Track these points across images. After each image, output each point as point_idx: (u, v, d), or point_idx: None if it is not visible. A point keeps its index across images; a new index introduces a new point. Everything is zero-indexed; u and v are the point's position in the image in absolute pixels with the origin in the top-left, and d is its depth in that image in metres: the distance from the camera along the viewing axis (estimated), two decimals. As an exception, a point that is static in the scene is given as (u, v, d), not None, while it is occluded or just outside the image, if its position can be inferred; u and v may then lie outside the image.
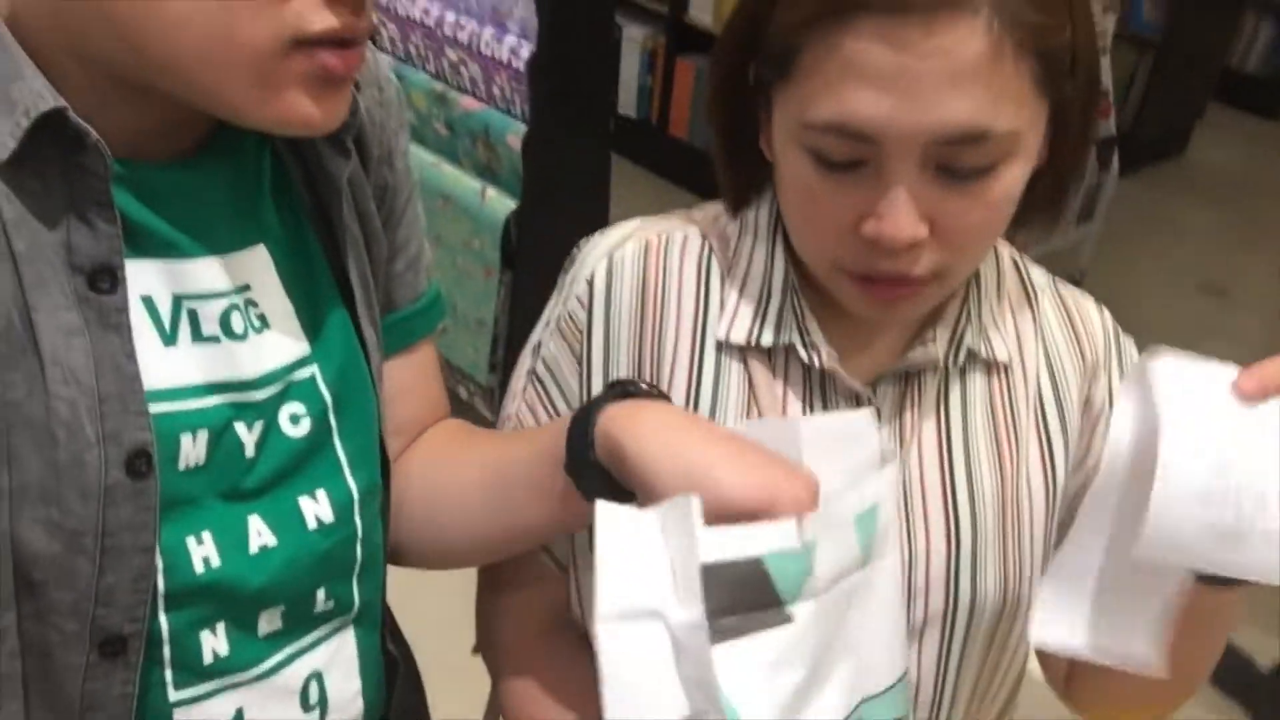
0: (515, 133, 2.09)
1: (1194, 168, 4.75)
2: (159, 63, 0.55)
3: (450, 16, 2.15)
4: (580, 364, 0.80)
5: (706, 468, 0.60)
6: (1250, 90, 5.29)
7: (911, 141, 0.63)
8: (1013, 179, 0.67)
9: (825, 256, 0.71)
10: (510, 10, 2.06)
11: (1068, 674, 0.88)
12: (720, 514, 0.58)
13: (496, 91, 2.12)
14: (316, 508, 0.68)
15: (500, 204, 2.17)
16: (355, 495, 0.70)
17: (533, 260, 2.17)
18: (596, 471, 0.66)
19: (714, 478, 0.59)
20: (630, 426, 0.64)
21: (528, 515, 0.74)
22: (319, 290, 0.70)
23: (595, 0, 2.09)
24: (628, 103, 3.80)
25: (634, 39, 3.72)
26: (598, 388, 0.79)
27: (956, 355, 0.77)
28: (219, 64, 0.55)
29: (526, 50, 2.03)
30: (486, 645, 0.89)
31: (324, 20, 0.55)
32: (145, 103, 0.58)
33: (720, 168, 0.81)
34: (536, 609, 0.86)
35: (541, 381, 0.83)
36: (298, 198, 0.70)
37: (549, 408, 0.82)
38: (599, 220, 2.35)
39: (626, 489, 0.65)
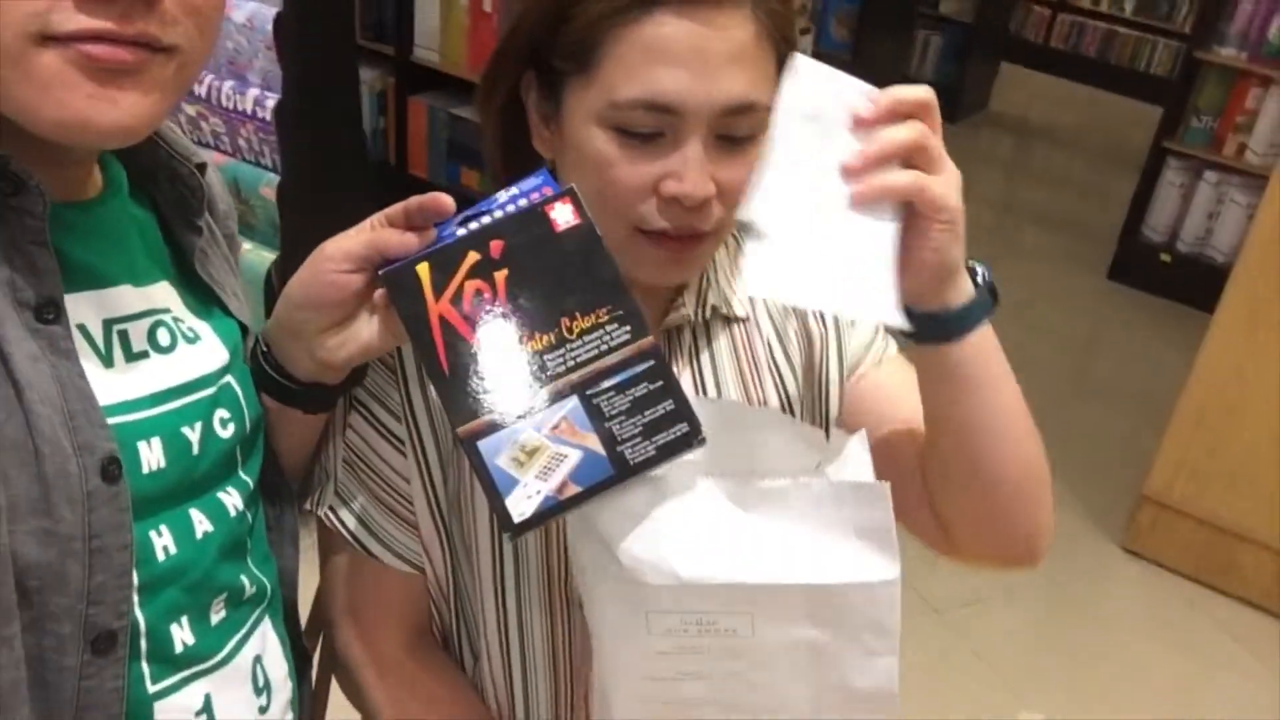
0: (269, 184, 2.06)
1: (891, 170, 5.24)
2: None
3: (184, 70, 2.09)
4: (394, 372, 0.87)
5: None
6: (929, 97, 5.89)
7: (705, 111, 0.75)
8: (760, 152, 0.79)
9: (626, 221, 0.79)
10: (249, 62, 2.03)
11: (939, 523, 0.90)
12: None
13: (243, 144, 2.09)
14: (231, 500, 0.75)
15: (258, 257, 2.13)
16: (251, 490, 0.78)
17: (298, 310, 2.14)
18: (263, 357, 0.78)
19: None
20: None
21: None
22: (218, 320, 0.78)
23: (336, 44, 2.10)
24: (363, 145, 3.77)
25: (363, 81, 3.70)
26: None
27: (703, 311, 0.90)
28: None
29: (271, 100, 2.01)
30: (348, 667, 0.92)
31: (71, 20, 0.57)
32: (34, 140, 0.61)
33: (496, 172, 0.90)
34: (406, 622, 0.92)
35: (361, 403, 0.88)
36: (180, 255, 0.78)
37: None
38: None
39: (287, 374, 0.78)
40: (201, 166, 0.77)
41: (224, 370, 0.75)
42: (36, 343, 0.61)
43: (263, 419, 0.80)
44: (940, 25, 5.89)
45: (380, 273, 0.70)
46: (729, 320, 0.92)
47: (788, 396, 0.93)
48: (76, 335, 0.65)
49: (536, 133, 0.84)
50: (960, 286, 0.75)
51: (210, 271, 0.78)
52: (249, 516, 0.77)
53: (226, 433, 0.74)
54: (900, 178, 0.69)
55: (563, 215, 0.70)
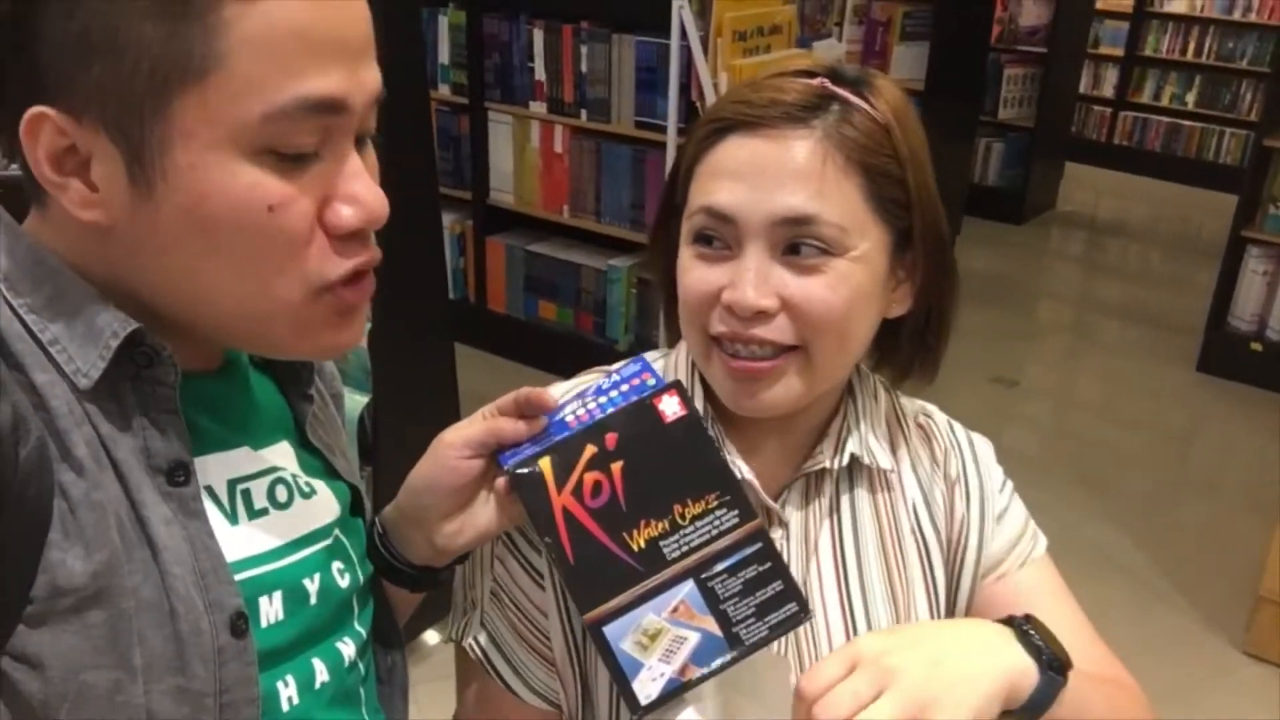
0: (361, 331, 2.15)
1: (962, 275, 5.23)
2: (209, 320, 0.65)
3: (280, 229, 2.21)
4: None
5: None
6: (995, 201, 5.92)
7: (760, 220, 0.78)
8: (852, 276, 0.80)
9: (701, 329, 0.82)
10: (340, 217, 2.15)
11: None
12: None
13: (336, 294, 2.19)
14: (347, 650, 0.77)
15: (351, 401, 2.20)
16: (363, 642, 0.80)
17: (391, 449, 2.20)
18: (380, 539, 0.83)
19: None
20: None
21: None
22: (330, 479, 0.81)
23: (419, 200, 2.21)
24: (444, 285, 3.91)
25: (443, 226, 3.86)
26: None
27: (841, 457, 0.88)
28: (259, 318, 0.65)
29: (361, 252, 2.11)
30: None
31: (341, 266, 0.64)
32: (180, 333, 0.67)
33: (664, 306, 0.95)
34: None
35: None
36: (295, 420, 0.81)
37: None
38: (450, 402, 2.41)
39: (400, 557, 0.82)
40: None
41: (336, 523, 0.78)
42: (168, 505, 0.64)
43: (374, 574, 0.83)
44: (1001, 131, 5.95)
45: (507, 469, 0.76)
46: (872, 471, 0.90)
47: (930, 564, 0.91)
48: (203, 495, 0.68)
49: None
50: (1015, 690, 0.72)
51: (321, 436, 0.82)
52: (361, 667, 0.79)
53: (344, 582, 0.77)
54: None
55: (670, 407, 0.76)
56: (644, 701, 0.71)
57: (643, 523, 0.74)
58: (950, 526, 0.93)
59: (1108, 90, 7.38)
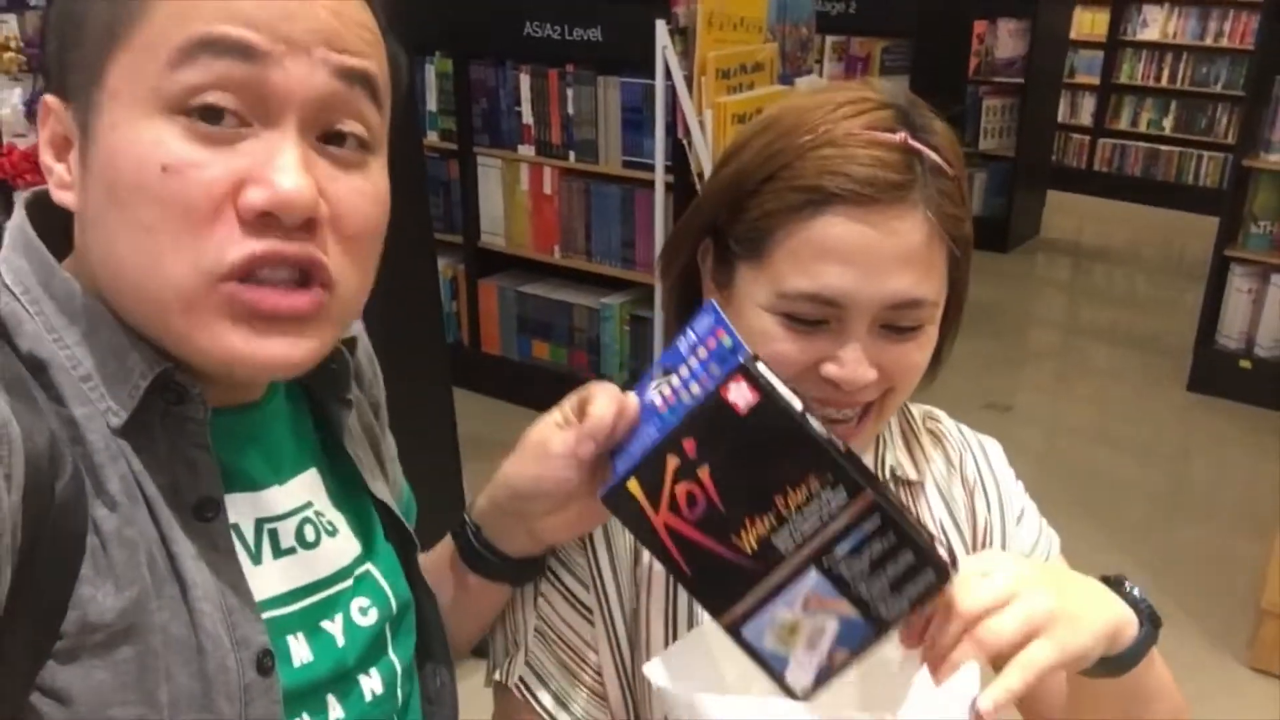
0: (360, 375, 2.16)
1: (951, 304, 5.27)
2: (125, 305, 0.63)
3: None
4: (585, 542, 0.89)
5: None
6: (980, 230, 5.96)
7: (871, 305, 0.77)
8: (932, 335, 0.83)
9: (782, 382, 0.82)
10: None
11: None
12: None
13: (334, 340, 2.20)
14: (371, 683, 0.75)
15: (352, 445, 2.21)
16: (399, 671, 0.78)
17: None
18: (474, 536, 0.83)
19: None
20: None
21: (449, 601, 0.87)
22: (359, 500, 0.80)
23: (416, 241, 2.24)
24: (438, 330, 3.92)
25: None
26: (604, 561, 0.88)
27: (882, 472, 0.90)
28: (151, 296, 0.61)
29: (358, 297, 2.13)
30: None
31: (239, 248, 0.59)
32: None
33: (671, 331, 0.94)
34: None
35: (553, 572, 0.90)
36: (328, 431, 0.80)
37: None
38: (450, 446, 2.42)
39: (499, 552, 0.83)
40: (350, 342, 0.78)
41: (360, 560, 0.77)
42: (196, 542, 0.64)
43: (411, 601, 0.81)
44: (983, 162, 6.03)
45: (600, 497, 0.74)
46: (898, 483, 0.93)
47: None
48: (230, 534, 0.67)
49: (707, 291, 0.88)
50: (1119, 637, 0.74)
51: (354, 448, 0.80)
52: (399, 696, 0.78)
53: (367, 619, 0.76)
54: (960, 653, 0.69)
55: (741, 396, 0.69)
56: (800, 692, 0.71)
57: (748, 521, 0.70)
58: (974, 529, 0.94)
59: (1085, 118, 7.49)
